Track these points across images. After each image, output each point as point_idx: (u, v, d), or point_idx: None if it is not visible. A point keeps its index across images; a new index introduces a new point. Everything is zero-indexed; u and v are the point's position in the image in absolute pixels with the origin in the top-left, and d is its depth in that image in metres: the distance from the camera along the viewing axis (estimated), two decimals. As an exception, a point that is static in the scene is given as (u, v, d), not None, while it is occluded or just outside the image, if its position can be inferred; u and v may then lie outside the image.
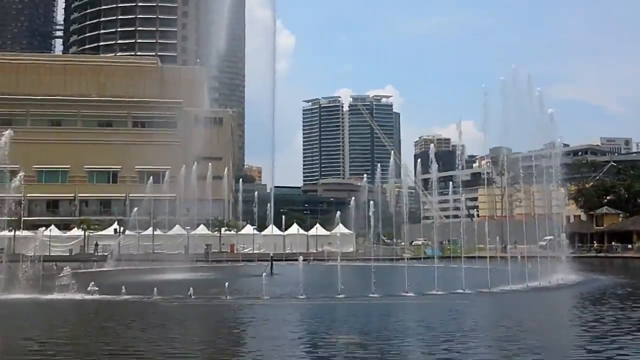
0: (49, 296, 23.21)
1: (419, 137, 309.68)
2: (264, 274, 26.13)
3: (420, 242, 71.99)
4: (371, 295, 23.68)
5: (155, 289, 22.84)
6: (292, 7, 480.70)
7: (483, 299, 24.60)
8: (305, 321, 18.60)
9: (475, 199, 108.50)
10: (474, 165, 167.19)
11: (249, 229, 66.40)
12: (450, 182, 64.92)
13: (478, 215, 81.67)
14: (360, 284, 26.56)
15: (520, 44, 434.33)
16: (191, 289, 22.44)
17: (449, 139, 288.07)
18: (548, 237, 46.56)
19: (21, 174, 30.08)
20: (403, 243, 70.68)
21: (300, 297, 23.14)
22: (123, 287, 22.97)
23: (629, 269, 48.93)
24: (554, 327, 17.10)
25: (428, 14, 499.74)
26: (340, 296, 23.29)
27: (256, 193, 58.35)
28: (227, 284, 22.94)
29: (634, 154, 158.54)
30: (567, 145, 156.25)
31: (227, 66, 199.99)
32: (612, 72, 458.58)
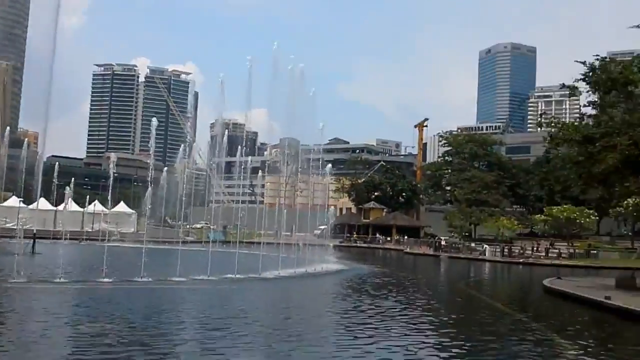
0: None
1: (215, 120, 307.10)
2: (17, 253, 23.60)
3: (200, 225, 71.89)
4: (138, 279, 22.95)
5: None
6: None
7: (251, 285, 25.55)
8: (55, 308, 17.15)
9: (263, 186, 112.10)
10: (265, 153, 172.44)
11: (14, 201, 59.17)
12: (236, 167, 65.92)
13: (263, 202, 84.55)
14: (131, 267, 25.53)
15: (315, 40, 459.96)
16: None
17: (243, 124, 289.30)
18: (322, 227, 50.24)
19: None
20: (188, 226, 69.75)
21: (58, 280, 21.41)
22: None
23: (386, 259, 55.23)
24: (314, 315, 18.21)
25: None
26: (105, 280, 22.13)
27: (24, 159, 51.75)
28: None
29: (402, 157, 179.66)
30: (347, 143, 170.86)
31: (7, 12, 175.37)
32: (394, 79, 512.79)
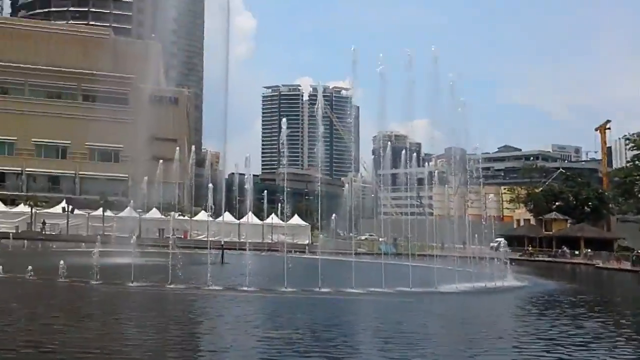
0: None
1: (378, 132, 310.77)
2: (210, 261, 25.34)
3: (365, 237, 72.18)
4: (317, 289, 23.26)
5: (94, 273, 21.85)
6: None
7: (429, 298, 24.49)
8: (244, 315, 17.92)
9: (431, 197, 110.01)
10: (430, 163, 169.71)
11: (203, 215, 65.06)
12: (402, 179, 65.40)
13: (432, 214, 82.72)
14: (309, 277, 26.00)
15: (472, 44, 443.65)
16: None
17: (406, 136, 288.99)
18: (498, 239, 47.24)
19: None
20: (362, 237, 70.64)
21: (246, 288, 22.51)
22: (61, 268, 21.99)
23: (575, 275, 50.11)
24: (509, 335, 16.42)
25: (394, 7, 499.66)
26: (287, 289, 22.74)
27: (209, 178, 56.70)
28: (170, 270, 22.11)
29: (583, 162, 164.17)
30: (519, 150, 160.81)
31: (186, 44, 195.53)
32: (561, 79, 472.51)
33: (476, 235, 43.37)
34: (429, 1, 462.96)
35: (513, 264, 38.25)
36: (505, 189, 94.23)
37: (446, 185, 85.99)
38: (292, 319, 16.91)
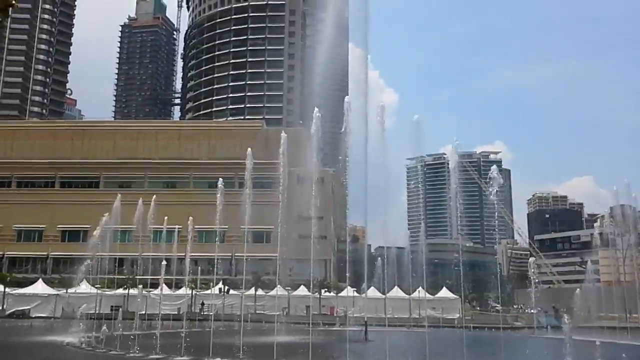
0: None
1: (532, 195, 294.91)
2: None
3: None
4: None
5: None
6: (394, 65, 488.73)
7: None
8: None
9: (596, 262, 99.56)
10: (595, 225, 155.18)
11: (348, 291, 65.04)
12: (563, 243, 60.56)
13: (599, 280, 74.52)
14: (454, 355, 24.41)
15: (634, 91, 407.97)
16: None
17: (565, 197, 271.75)
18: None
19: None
20: (524, 309, 65.79)
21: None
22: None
23: None
24: None
25: (534, 65, 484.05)
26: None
27: (347, 253, 57.21)
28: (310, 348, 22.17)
29: None
30: None
31: (331, 126, 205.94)
32: None
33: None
34: (573, 53, 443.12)
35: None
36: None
37: (615, 249, 77.69)
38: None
